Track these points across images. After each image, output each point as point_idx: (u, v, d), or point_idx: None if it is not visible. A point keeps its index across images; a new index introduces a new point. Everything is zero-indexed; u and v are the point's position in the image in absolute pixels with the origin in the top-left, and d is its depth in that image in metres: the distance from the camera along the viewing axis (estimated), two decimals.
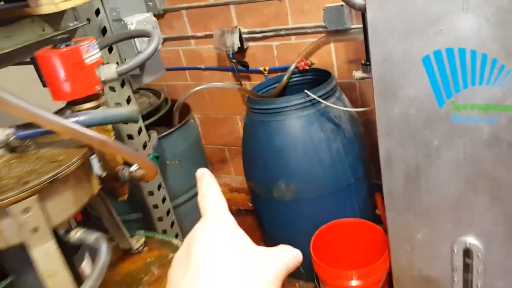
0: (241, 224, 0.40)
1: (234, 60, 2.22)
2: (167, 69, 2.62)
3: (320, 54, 2.10)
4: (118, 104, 1.21)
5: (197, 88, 1.85)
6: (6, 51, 0.93)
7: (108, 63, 0.86)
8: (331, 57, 2.09)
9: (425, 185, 1.36)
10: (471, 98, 1.15)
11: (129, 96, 1.24)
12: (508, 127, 1.13)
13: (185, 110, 1.99)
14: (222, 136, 2.70)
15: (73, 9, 1.06)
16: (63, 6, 0.93)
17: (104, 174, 0.85)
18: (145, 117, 1.84)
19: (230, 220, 0.40)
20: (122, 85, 1.21)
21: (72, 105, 0.81)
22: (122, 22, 1.12)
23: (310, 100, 1.72)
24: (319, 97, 1.71)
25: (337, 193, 1.82)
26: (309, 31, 2.05)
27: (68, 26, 1.05)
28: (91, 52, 0.79)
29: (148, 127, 1.83)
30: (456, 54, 1.11)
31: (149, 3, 2.36)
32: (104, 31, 1.14)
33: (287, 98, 1.74)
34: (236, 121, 2.58)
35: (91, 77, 0.80)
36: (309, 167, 1.75)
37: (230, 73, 2.39)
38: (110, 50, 1.16)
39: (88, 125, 0.69)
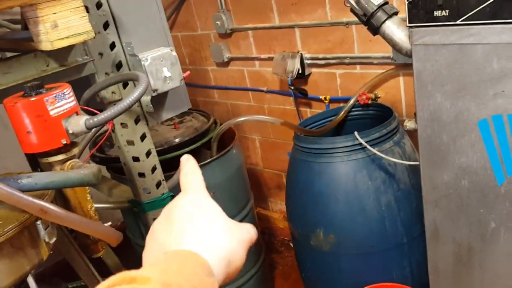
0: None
1: (292, 87, 2.08)
2: (232, 89, 2.58)
3: (388, 88, 1.87)
4: (130, 142, 1.15)
5: (236, 120, 1.74)
6: (2, 88, 0.91)
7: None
8: (400, 92, 1.85)
9: (478, 270, 1.10)
10: None
11: (143, 133, 1.17)
12: None
13: (230, 137, 1.90)
14: (281, 162, 2.56)
15: (84, 43, 1.01)
16: (59, 45, 0.88)
17: (53, 240, 0.78)
18: (189, 143, 1.79)
19: (207, 195, 0.46)
20: (137, 121, 1.15)
21: (41, 156, 0.76)
22: (137, 58, 1.05)
23: (360, 143, 1.51)
24: (371, 140, 1.50)
25: (385, 252, 1.59)
26: (375, 61, 1.84)
27: (76, 61, 1.01)
28: (58, 103, 0.72)
29: (193, 154, 1.78)
30: None
31: (217, 22, 2.32)
32: (119, 66, 1.09)
33: (333, 139, 1.56)
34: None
35: (57, 130, 0.73)
36: (352, 219, 1.55)
37: (291, 98, 2.25)
38: (125, 85, 1.10)
39: (28, 190, 0.63)
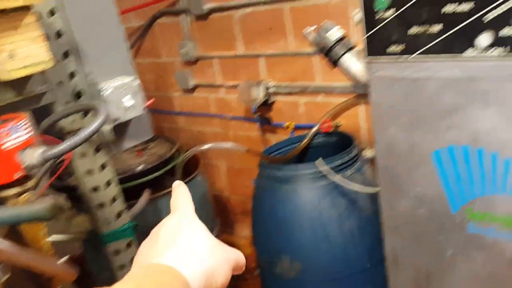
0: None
1: (256, 114, 2.10)
2: (198, 115, 2.58)
3: (349, 116, 1.92)
4: (89, 172, 1.13)
5: (201, 148, 1.74)
6: None
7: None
8: (360, 120, 1.91)
9: None
10: (490, 208, 0.93)
11: (104, 163, 1.15)
12: None
13: (195, 165, 1.89)
14: (246, 188, 2.55)
15: (42, 72, 0.99)
16: (16, 75, 0.86)
17: (5, 277, 0.75)
18: (152, 170, 1.76)
19: (195, 216, 0.48)
20: (97, 150, 1.13)
21: None
22: (98, 87, 1.04)
23: (323, 170, 1.54)
24: (333, 167, 1.53)
25: (349, 277, 1.60)
26: (337, 90, 1.89)
27: (35, 90, 0.99)
28: (12, 135, 0.70)
29: (152, 183, 1.75)
30: (472, 155, 0.90)
31: (182, 50, 2.33)
32: (79, 95, 1.07)
33: (296, 166, 1.58)
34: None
35: (10, 163, 0.71)
36: (316, 246, 1.55)
37: (256, 125, 2.27)
38: (86, 114, 1.08)
39: None
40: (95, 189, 1.15)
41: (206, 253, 0.42)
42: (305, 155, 1.92)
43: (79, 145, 0.76)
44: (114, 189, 1.17)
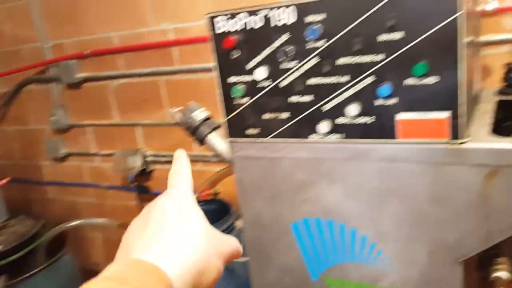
0: None
1: (133, 184, 2.06)
2: (70, 185, 2.43)
3: (226, 184, 1.98)
4: None
5: (69, 225, 1.64)
6: None
7: None
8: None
9: None
10: (344, 275, 1.02)
11: None
12: None
13: (63, 242, 1.75)
14: None
15: None
16: None
17: None
18: (11, 252, 1.59)
19: (191, 199, 0.45)
20: None
21: None
22: None
23: None
24: None
25: None
26: (213, 160, 1.95)
27: None
28: None
29: (12, 266, 1.58)
30: (324, 226, 1.00)
31: (53, 117, 2.23)
32: None
33: None
34: None
35: None
36: None
37: (134, 194, 2.21)
38: None
39: None
40: None
41: (197, 247, 0.39)
42: None
43: None
44: None
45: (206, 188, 1.92)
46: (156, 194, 1.98)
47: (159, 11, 1.84)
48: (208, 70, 1.82)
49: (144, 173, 2.08)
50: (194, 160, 2.02)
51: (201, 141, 1.12)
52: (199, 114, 1.11)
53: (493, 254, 1.00)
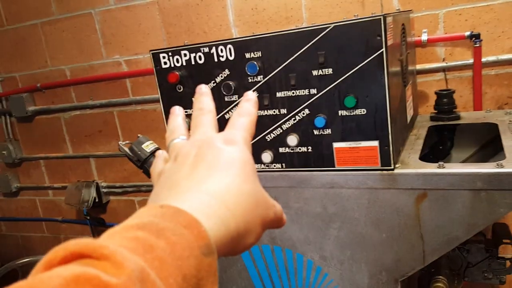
0: None
1: (88, 217, 2.02)
2: (23, 220, 2.35)
3: None
4: None
5: (22, 260, 1.59)
6: None
7: None
8: None
9: None
10: None
11: None
12: None
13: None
14: None
15: None
16: None
17: None
18: None
19: (250, 152, 0.38)
20: None
21: None
22: None
23: None
24: None
25: None
26: None
27: None
28: None
29: None
30: (273, 252, 1.02)
31: (4, 152, 2.17)
32: None
33: None
34: None
35: None
36: None
37: (89, 228, 2.17)
38: None
39: None
40: None
41: (246, 210, 0.34)
42: None
43: None
44: None
45: None
46: (111, 226, 1.96)
47: (111, 44, 1.85)
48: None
49: (100, 205, 2.05)
50: (149, 190, 2.00)
51: (149, 173, 1.13)
52: (149, 146, 1.13)
53: (432, 272, 1.06)
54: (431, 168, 0.84)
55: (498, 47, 1.31)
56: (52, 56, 1.97)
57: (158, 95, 1.82)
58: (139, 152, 1.12)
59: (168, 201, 0.32)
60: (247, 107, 0.42)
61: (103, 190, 2.05)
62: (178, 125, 0.43)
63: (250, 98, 0.42)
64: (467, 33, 1.30)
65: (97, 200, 2.01)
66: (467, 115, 1.21)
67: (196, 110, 0.42)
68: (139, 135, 1.17)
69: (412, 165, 0.87)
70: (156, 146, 1.15)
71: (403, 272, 0.91)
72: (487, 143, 1.13)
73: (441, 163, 0.84)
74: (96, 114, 1.99)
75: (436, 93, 1.20)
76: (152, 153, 1.13)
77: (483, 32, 1.30)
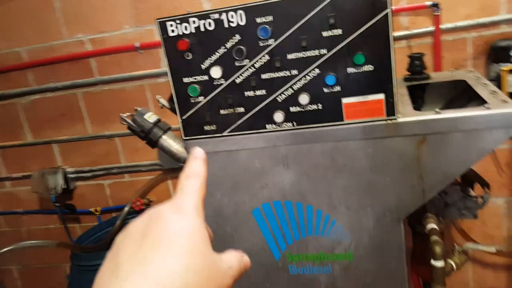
0: None
1: (57, 204, 1.95)
2: None
3: (159, 192, 1.98)
4: None
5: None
6: None
7: None
8: (170, 195, 1.99)
9: None
10: (304, 250, 1.13)
11: None
12: (342, 275, 1.12)
13: None
14: None
15: None
16: None
17: None
18: None
19: (201, 221, 0.36)
20: None
21: None
22: None
23: None
24: None
25: None
26: (144, 169, 1.94)
27: None
28: None
29: None
30: (283, 207, 1.10)
31: None
32: None
33: None
34: (64, 270, 2.21)
35: None
36: None
37: (57, 216, 2.09)
38: None
39: None
40: None
41: (189, 287, 0.31)
42: None
43: None
44: None
45: (138, 198, 1.90)
46: (81, 213, 1.92)
47: (73, 22, 1.79)
48: (131, 79, 1.82)
49: (68, 191, 1.99)
50: (121, 172, 1.99)
51: (154, 143, 1.15)
52: (151, 117, 1.14)
53: (418, 213, 1.20)
54: (428, 115, 0.96)
55: (455, 15, 1.47)
56: (6, 38, 1.86)
57: (128, 74, 1.81)
58: (143, 123, 1.13)
59: (119, 276, 0.30)
60: (195, 167, 0.40)
61: (70, 176, 1.99)
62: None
63: (197, 156, 0.41)
64: (428, 3, 1.45)
65: (64, 187, 1.95)
66: (436, 75, 1.36)
67: (184, 171, 0.40)
68: (137, 107, 1.17)
69: (411, 115, 0.99)
70: (157, 117, 1.17)
71: (405, 210, 1.03)
72: (456, 96, 1.28)
73: (437, 110, 0.96)
74: (58, 97, 1.92)
75: (409, 56, 1.33)
76: (155, 124, 1.14)
77: (442, 2, 1.45)
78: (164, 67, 1.75)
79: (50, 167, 1.97)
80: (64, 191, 1.96)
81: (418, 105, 1.34)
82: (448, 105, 1.31)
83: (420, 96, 1.35)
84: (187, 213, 0.36)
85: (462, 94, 1.25)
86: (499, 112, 0.91)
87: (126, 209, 1.86)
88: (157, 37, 1.69)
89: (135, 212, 1.88)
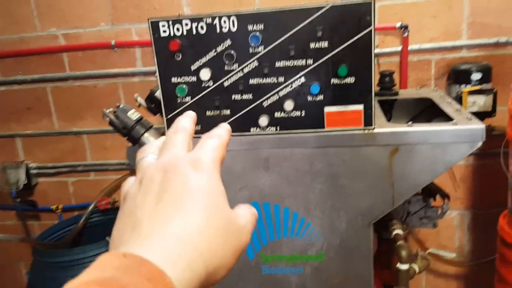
0: None
1: (18, 199, 1.89)
2: None
3: None
4: None
5: None
6: None
7: None
8: None
9: None
10: (278, 250, 1.17)
11: None
12: (312, 276, 1.17)
13: None
14: (7, 286, 2.18)
15: None
16: None
17: None
18: None
19: (219, 175, 0.37)
20: None
21: None
22: None
23: None
24: None
25: None
26: (111, 168, 1.92)
27: None
28: None
29: None
30: (261, 208, 1.14)
31: None
32: None
33: (83, 248, 1.51)
34: (20, 269, 2.13)
35: None
36: None
37: (14, 212, 2.02)
38: None
39: None
40: None
41: (211, 244, 0.31)
42: (82, 236, 1.83)
43: None
44: None
45: (104, 197, 1.88)
46: (41, 210, 1.88)
47: (46, 15, 1.75)
48: (104, 76, 1.80)
49: (29, 187, 1.93)
50: (86, 170, 1.95)
51: (136, 140, 1.16)
52: (134, 114, 1.15)
53: (384, 220, 1.28)
54: (401, 128, 1.04)
55: (421, 37, 1.59)
56: None
57: (102, 71, 1.79)
58: (125, 120, 1.14)
59: (131, 246, 0.30)
60: (218, 131, 0.40)
61: (32, 171, 1.93)
62: (158, 145, 0.40)
63: (223, 126, 0.41)
64: (398, 24, 1.56)
65: (25, 182, 1.89)
66: (404, 92, 1.45)
67: (172, 127, 0.40)
68: (119, 104, 1.18)
69: (385, 126, 1.06)
70: (140, 114, 1.18)
71: (375, 215, 1.10)
72: (421, 112, 1.38)
73: (410, 123, 1.04)
74: (25, 90, 1.86)
75: (380, 73, 1.42)
76: (138, 121, 1.15)
77: (410, 24, 1.56)
78: (140, 66, 1.76)
79: (13, 161, 1.91)
80: (24, 186, 1.89)
81: (387, 119, 1.43)
82: (413, 120, 1.41)
83: (388, 110, 1.44)
84: (206, 169, 0.35)
85: (427, 111, 1.36)
86: (465, 128, 1.00)
87: (90, 208, 1.82)
88: (134, 36, 1.69)
89: (99, 211, 1.85)
